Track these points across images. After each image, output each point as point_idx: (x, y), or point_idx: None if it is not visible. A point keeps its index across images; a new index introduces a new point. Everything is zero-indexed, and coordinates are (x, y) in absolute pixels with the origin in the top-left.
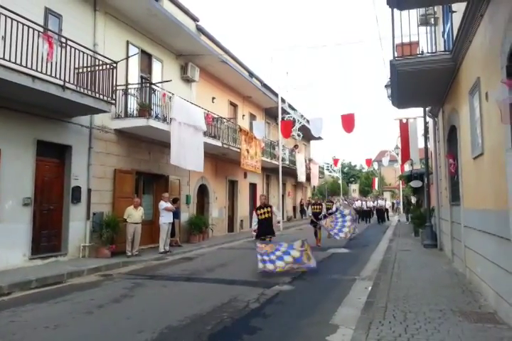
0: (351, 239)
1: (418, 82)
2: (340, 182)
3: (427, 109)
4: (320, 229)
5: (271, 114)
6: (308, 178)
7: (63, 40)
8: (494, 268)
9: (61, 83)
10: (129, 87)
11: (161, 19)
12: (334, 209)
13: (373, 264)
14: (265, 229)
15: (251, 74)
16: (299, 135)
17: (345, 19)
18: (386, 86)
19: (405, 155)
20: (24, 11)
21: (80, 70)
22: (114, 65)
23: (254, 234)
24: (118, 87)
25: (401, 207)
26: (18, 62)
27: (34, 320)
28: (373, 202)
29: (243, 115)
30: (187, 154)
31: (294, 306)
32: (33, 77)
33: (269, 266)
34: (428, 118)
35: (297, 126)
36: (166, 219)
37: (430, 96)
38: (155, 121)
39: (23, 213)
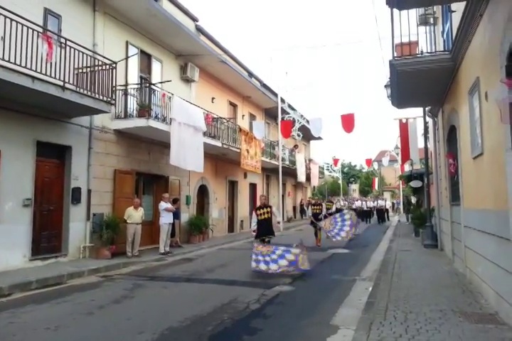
0: (351, 239)
1: (418, 82)
2: (340, 182)
3: (426, 108)
4: (320, 229)
5: (270, 114)
6: (308, 178)
7: (63, 40)
8: (494, 268)
9: (61, 83)
10: (129, 87)
11: (160, 19)
12: (334, 209)
13: (374, 264)
14: (265, 230)
15: (250, 74)
16: (298, 135)
17: (345, 19)
18: (386, 86)
19: (405, 155)
20: (23, 12)
21: (80, 71)
22: (114, 65)
23: (254, 234)
24: (118, 88)
25: (401, 207)
26: (18, 62)
27: (34, 321)
28: (373, 202)
29: (243, 115)
30: (187, 154)
31: (294, 307)
32: (33, 78)
33: (262, 267)
34: (428, 118)
35: (297, 126)
36: (166, 219)
37: (430, 96)
38: (155, 121)
39: (23, 214)
